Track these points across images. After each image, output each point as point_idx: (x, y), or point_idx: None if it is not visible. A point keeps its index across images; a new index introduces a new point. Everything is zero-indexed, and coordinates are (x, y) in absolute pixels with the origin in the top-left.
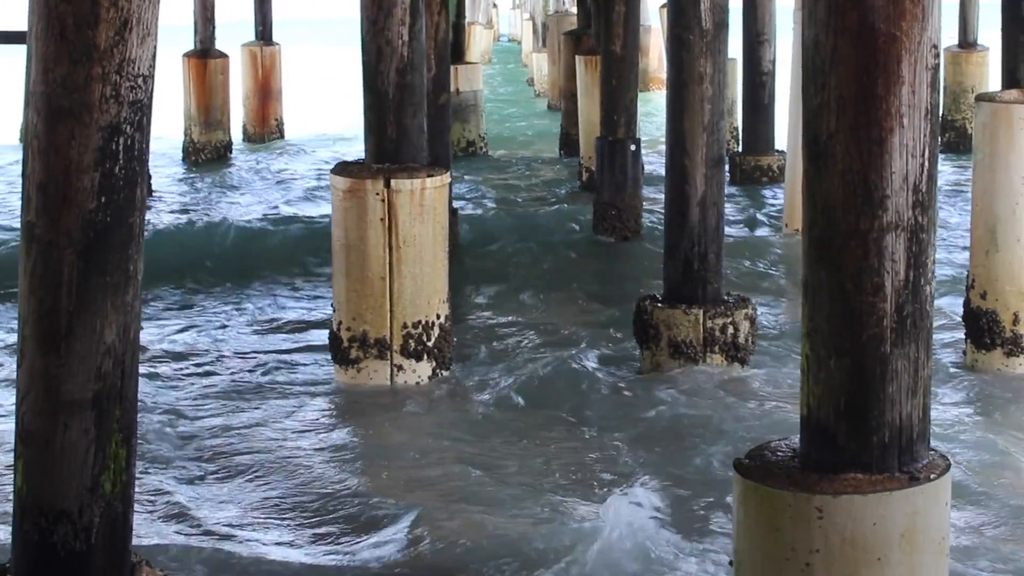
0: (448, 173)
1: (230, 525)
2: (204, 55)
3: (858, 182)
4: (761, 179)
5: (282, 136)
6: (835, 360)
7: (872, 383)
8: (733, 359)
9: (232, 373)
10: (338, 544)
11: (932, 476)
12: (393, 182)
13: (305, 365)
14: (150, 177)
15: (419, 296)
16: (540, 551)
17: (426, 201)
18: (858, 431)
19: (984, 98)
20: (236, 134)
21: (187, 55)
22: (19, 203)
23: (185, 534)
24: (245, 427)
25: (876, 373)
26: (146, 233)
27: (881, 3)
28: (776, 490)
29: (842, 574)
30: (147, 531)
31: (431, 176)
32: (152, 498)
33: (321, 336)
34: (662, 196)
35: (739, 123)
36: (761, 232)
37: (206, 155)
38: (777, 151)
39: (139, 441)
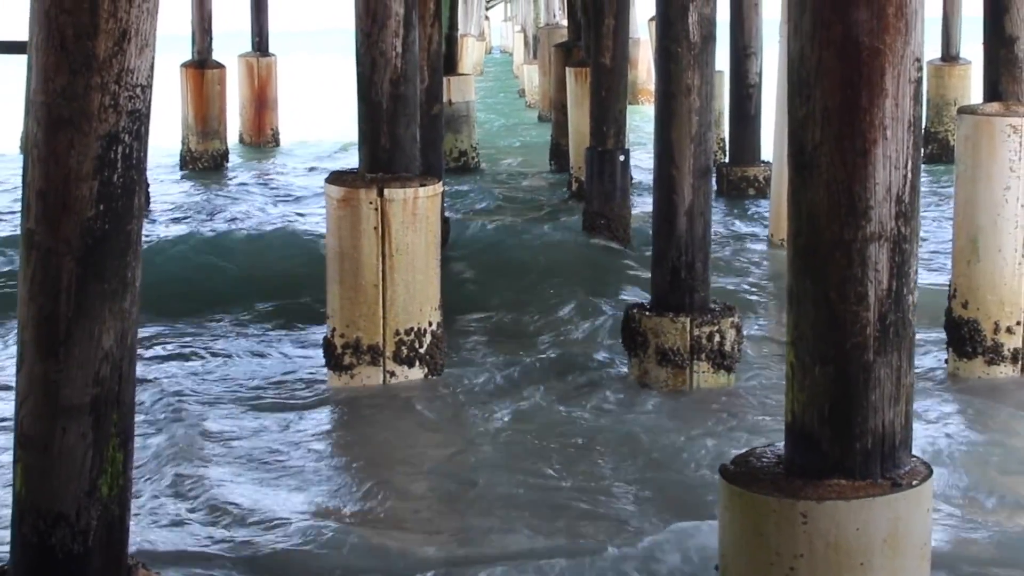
0: (440, 182)
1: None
2: (201, 65)
3: (842, 192)
4: (747, 190)
5: (278, 145)
6: (819, 368)
7: (855, 390)
8: (719, 367)
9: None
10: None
11: (914, 482)
12: (386, 191)
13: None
14: (148, 186)
15: (412, 303)
16: None
17: (419, 210)
18: (842, 438)
19: (966, 111)
20: (233, 143)
21: (185, 65)
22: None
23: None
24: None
25: (859, 381)
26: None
27: (865, 17)
28: (761, 495)
29: None
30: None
31: (424, 185)
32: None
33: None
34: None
35: (726, 134)
36: (748, 241)
37: (203, 164)
38: (763, 162)
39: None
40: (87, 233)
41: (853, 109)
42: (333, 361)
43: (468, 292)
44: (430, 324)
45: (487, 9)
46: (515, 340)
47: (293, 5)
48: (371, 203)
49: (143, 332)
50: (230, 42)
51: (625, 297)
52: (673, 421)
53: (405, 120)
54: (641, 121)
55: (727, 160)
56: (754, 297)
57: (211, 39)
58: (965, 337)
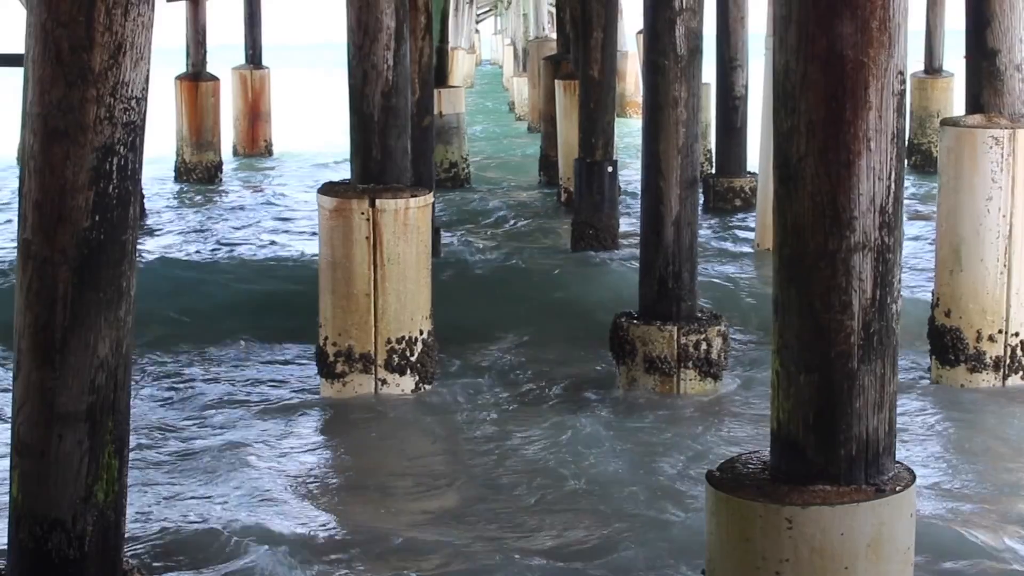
0: (431, 193)
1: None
2: (196, 78)
3: (827, 203)
4: (734, 200)
5: (271, 156)
6: (804, 376)
7: (840, 398)
8: (706, 374)
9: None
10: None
11: (898, 488)
12: (378, 202)
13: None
14: (144, 198)
15: (403, 312)
16: None
17: (410, 220)
18: (826, 444)
19: (949, 123)
20: (226, 154)
21: (179, 78)
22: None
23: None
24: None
25: (844, 388)
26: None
27: (849, 31)
28: (747, 501)
29: None
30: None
31: (415, 196)
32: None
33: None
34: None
35: (712, 146)
36: (734, 251)
37: (197, 174)
38: (749, 173)
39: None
40: (83, 243)
41: (837, 121)
42: (325, 369)
43: (458, 300)
44: (421, 332)
45: (477, 22)
46: (506, 347)
47: (286, 19)
48: (363, 213)
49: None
50: (224, 55)
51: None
52: (661, 427)
53: (396, 132)
54: (629, 133)
55: (714, 171)
56: (739, 305)
57: (205, 52)
58: (948, 345)
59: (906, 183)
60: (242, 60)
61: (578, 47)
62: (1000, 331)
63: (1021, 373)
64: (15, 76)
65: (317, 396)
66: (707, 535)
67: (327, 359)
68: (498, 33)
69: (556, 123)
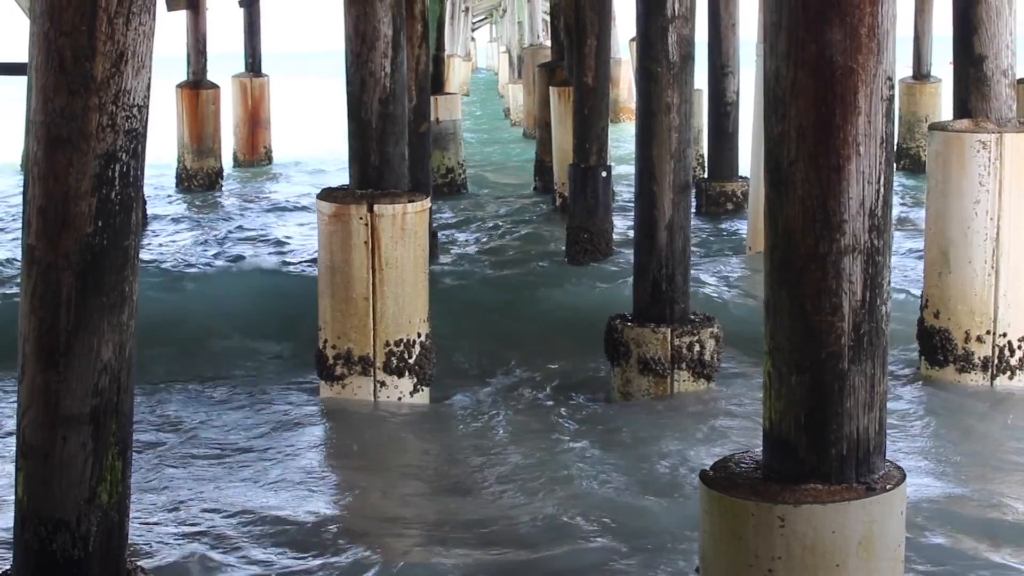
0: (428, 198)
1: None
2: (196, 86)
3: (817, 207)
4: (726, 204)
5: (270, 162)
6: (795, 376)
7: (831, 398)
8: (699, 375)
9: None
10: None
11: (888, 486)
12: (376, 207)
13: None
14: (145, 204)
15: (401, 315)
16: None
17: (407, 225)
18: (818, 444)
19: (937, 127)
20: (227, 161)
21: (180, 86)
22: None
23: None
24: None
25: (834, 389)
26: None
27: (839, 37)
28: (740, 500)
29: None
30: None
31: (412, 201)
32: None
33: None
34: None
35: (705, 151)
36: (726, 254)
37: (198, 181)
38: (741, 177)
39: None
40: (86, 248)
41: (827, 126)
42: (325, 372)
43: (455, 303)
44: (419, 335)
45: (473, 30)
46: (502, 349)
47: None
48: (361, 218)
49: None
50: (224, 63)
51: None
52: (655, 428)
53: (394, 138)
54: (623, 138)
55: (706, 176)
56: (731, 307)
57: (206, 60)
58: (937, 346)
59: (895, 186)
60: (242, 68)
61: (572, 54)
62: (988, 332)
63: (1009, 373)
64: (18, 84)
65: (316, 398)
66: (701, 533)
67: (326, 361)
68: (493, 41)
69: (551, 129)
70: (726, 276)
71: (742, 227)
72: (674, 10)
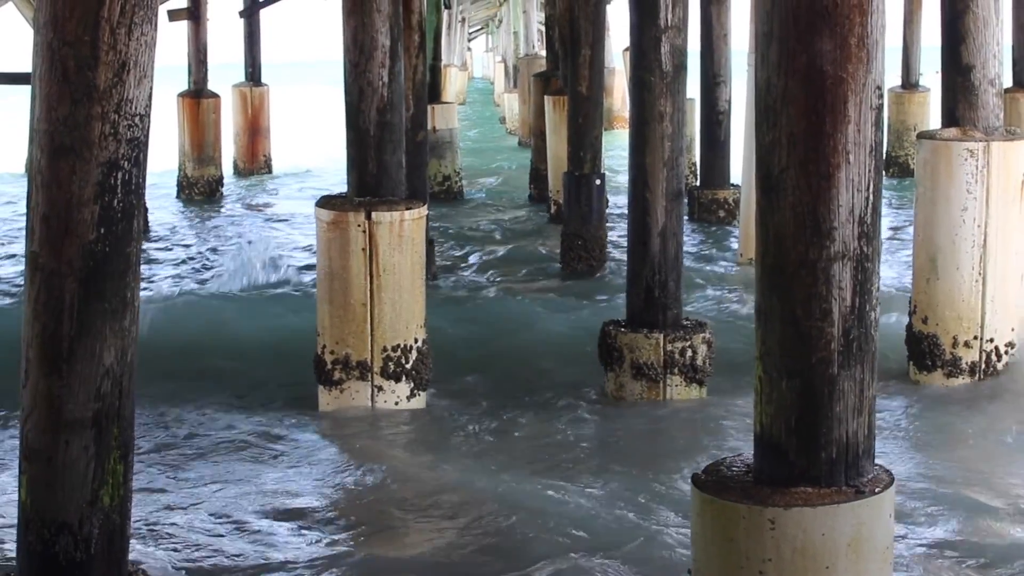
0: (425, 206)
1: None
2: (197, 95)
3: (807, 214)
4: (718, 211)
5: (270, 171)
6: (786, 381)
7: (820, 403)
8: (692, 380)
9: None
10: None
11: (877, 489)
12: (374, 214)
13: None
14: (147, 211)
15: (398, 321)
16: None
17: (405, 232)
18: (808, 447)
19: (925, 136)
20: (227, 169)
21: (181, 95)
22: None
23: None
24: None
25: (824, 393)
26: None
27: (828, 47)
28: (731, 503)
29: None
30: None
31: (409, 209)
32: None
33: None
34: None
35: (697, 159)
36: (717, 260)
37: (199, 189)
38: (732, 185)
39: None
40: (88, 255)
41: (817, 135)
42: (323, 376)
43: (451, 308)
44: (416, 341)
45: (469, 40)
46: (497, 354)
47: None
48: (359, 226)
49: None
50: (225, 73)
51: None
52: (648, 431)
53: (391, 147)
54: (616, 147)
55: (698, 183)
56: (723, 313)
57: (206, 70)
58: (925, 351)
59: (884, 194)
60: (242, 78)
61: (567, 64)
62: (975, 337)
63: (995, 378)
64: (22, 94)
65: (314, 402)
66: (692, 536)
67: (325, 367)
68: (489, 51)
69: (546, 137)
70: (718, 282)
71: (734, 234)
72: (667, 21)
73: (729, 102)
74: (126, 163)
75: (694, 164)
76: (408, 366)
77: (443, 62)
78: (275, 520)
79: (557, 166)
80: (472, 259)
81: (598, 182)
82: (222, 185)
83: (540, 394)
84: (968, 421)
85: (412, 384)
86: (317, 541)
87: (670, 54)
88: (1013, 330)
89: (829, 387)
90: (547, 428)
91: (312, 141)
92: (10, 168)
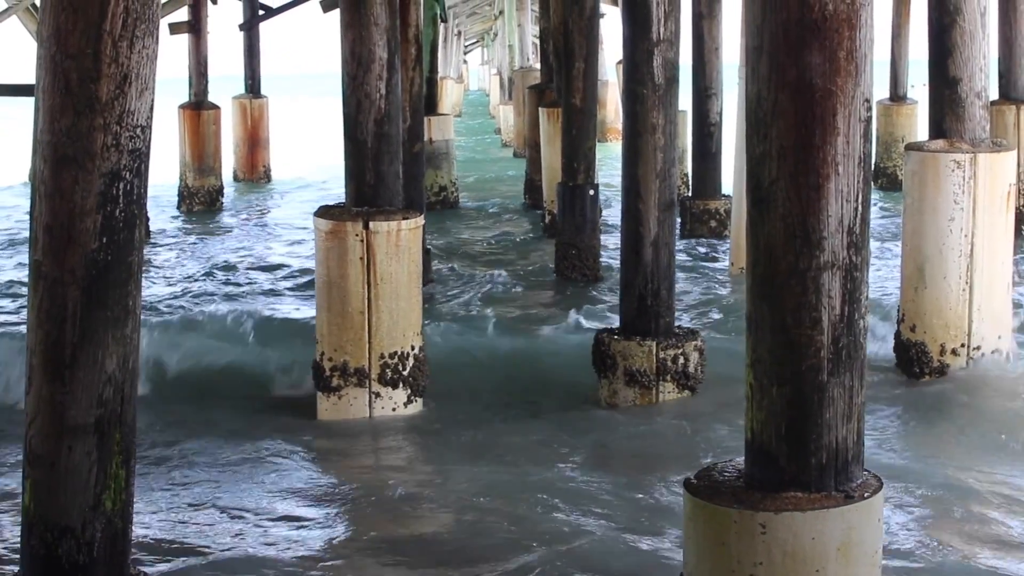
0: (422, 216)
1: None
2: (198, 107)
3: (797, 225)
4: (709, 222)
5: (269, 181)
6: (776, 388)
7: (810, 409)
8: (683, 387)
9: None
10: None
11: (866, 494)
12: (371, 224)
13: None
14: (148, 220)
15: (395, 329)
16: None
17: (401, 242)
18: (798, 453)
19: (913, 147)
20: (227, 179)
21: (182, 107)
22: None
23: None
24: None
25: (814, 400)
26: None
27: (818, 61)
28: (722, 507)
29: None
30: None
31: (406, 219)
32: None
33: None
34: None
35: (689, 170)
36: (709, 269)
37: (200, 199)
38: (724, 196)
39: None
40: (91, 264)
41: (807, 147)
42: (321, 383)
43: (448, 316)
44: (412, 348)
45: (465, 53)
46: (494, 362)
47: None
48: (357, 235)
49: None
50: (225, 85)
51: (593, 323)
52: (640, 437)
53: (389, 157)
54: (610, 158)
55: (690, 194)
56: (714, 321)
57: (207, 82)
58: (913, 359)
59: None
60: (242, 89)
61: (561, 77)
62: (963, 345)
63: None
64: (26, 106)
65: (312, 408)
66: (684, 540)
67: (323, 373)
68: (485, 63)
69: (540, 149)
70: (709, 291)
71: (725, 244)
72: (659, 35)
73: (720, 114)
74: (128, 173)
75: (686, 175)
76: (405, 373)
77: (439, 74)
78: (272, 522)
79: (551, 177)
80: (467, 268)
81: (592, 192)
82: (222, 195)
83: (535, 401)
84: (953, 424)
85: (409, 390)
86: (314, 544)
87: (662, 67)
88: (1000, 338)
89: (819, 394)
90: (542, 434)
91: (311, 152)
92: (14, 179)
